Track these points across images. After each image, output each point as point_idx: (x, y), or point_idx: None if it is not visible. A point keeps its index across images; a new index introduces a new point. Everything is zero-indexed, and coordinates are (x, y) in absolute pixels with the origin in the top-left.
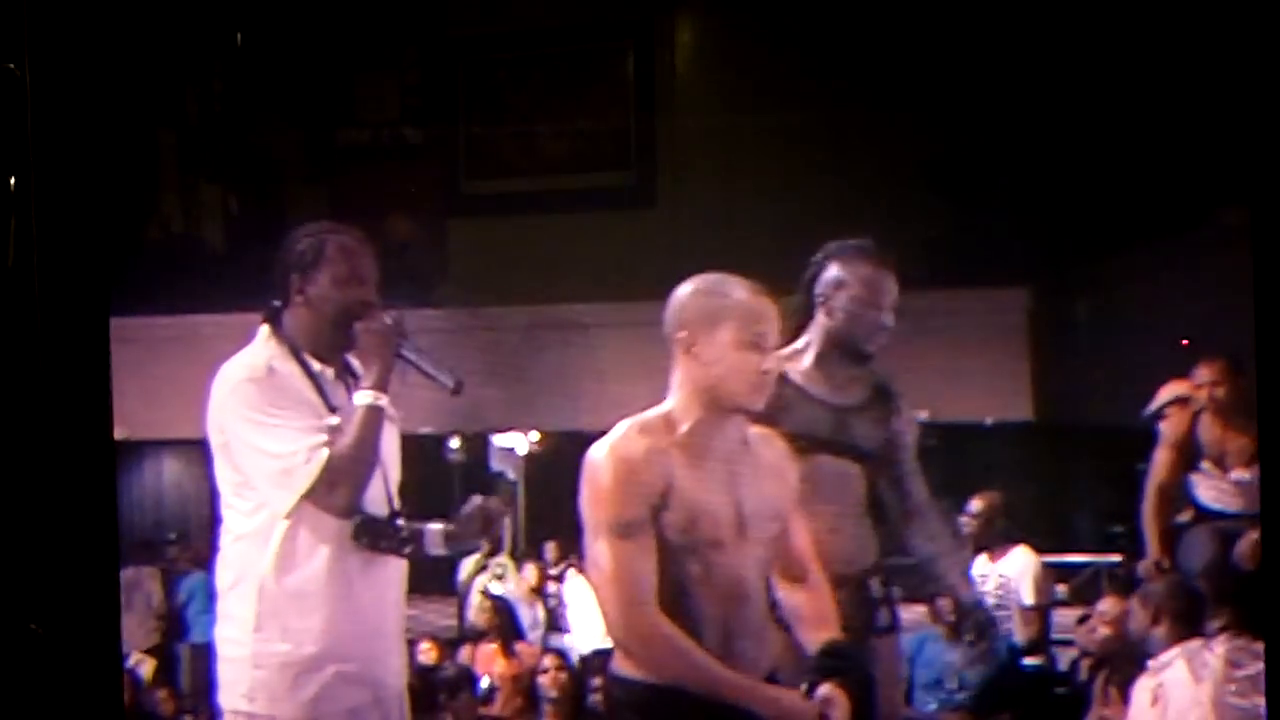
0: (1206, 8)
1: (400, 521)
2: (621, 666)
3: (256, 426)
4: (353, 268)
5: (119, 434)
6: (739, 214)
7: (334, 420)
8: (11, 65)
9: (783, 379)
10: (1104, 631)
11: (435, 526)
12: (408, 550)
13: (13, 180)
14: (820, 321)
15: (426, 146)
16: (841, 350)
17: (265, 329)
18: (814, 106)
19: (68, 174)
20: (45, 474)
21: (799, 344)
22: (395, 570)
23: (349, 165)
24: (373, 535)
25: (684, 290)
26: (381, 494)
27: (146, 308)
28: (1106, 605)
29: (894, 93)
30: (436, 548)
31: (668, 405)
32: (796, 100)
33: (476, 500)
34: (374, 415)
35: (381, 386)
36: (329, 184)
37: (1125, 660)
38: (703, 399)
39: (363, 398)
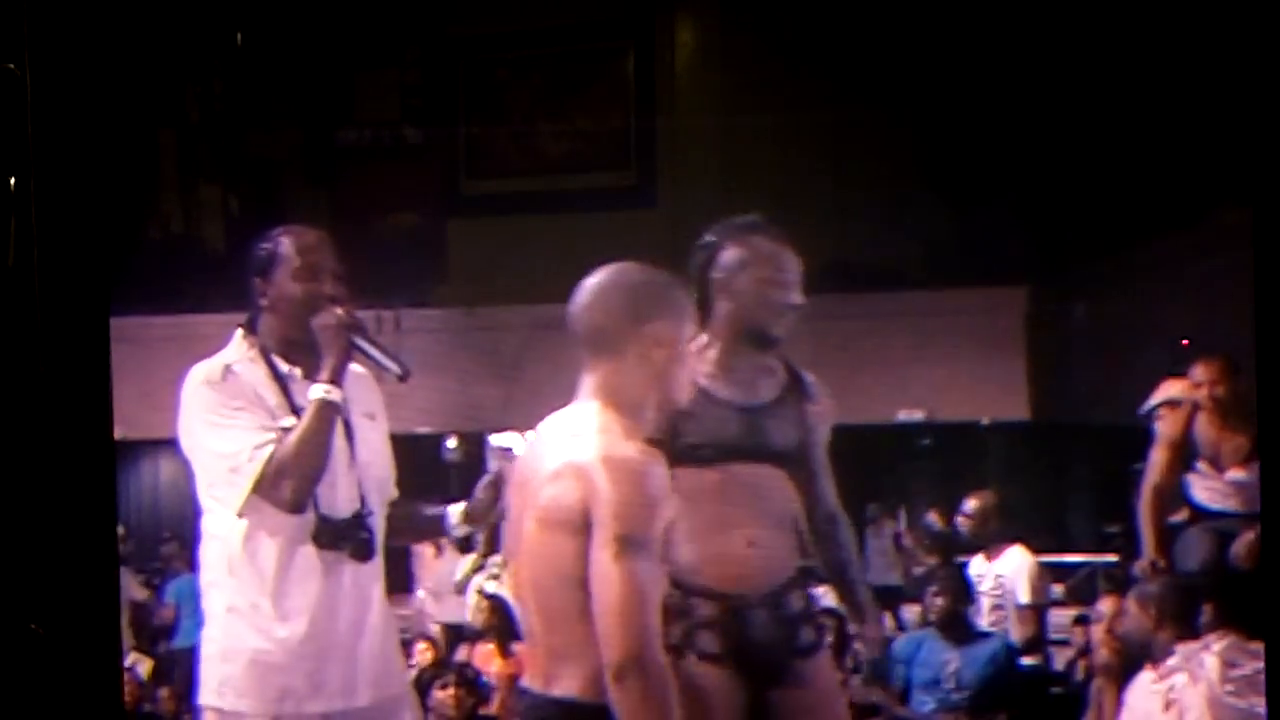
0: (1204, 9)
1: (372, 521)
2: (571, 691)
3: (210, 428)
4: (308, 262)
5: (117, 434)
6: (739, 214)
7: (289, 421)
8: (11, 65)
9: None
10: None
11: (455, 508)
12: (364, 554)
13: (13, 180)
14: (722, 309)
15: (426, 146)
16: (746, 338)
17: (239, 332)
18: (813, 107)
19: (68, 174)
20: (45, 474)
21: (699, 341)
22: (369, 569)
23: (349, 165)
24: (331, 537)
25: (646, 285)
26: (353, 495)
27: (146, 308)
28: (1107, 606)
29: (893, 93)
30: (458, 528)
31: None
32: (796, 100)
33: (488, 474)
34: (325, 409)
35: (334, 380)
36: (329, 184)
37: (1127, 661)
38: (663, 401)
39: (315, 391)
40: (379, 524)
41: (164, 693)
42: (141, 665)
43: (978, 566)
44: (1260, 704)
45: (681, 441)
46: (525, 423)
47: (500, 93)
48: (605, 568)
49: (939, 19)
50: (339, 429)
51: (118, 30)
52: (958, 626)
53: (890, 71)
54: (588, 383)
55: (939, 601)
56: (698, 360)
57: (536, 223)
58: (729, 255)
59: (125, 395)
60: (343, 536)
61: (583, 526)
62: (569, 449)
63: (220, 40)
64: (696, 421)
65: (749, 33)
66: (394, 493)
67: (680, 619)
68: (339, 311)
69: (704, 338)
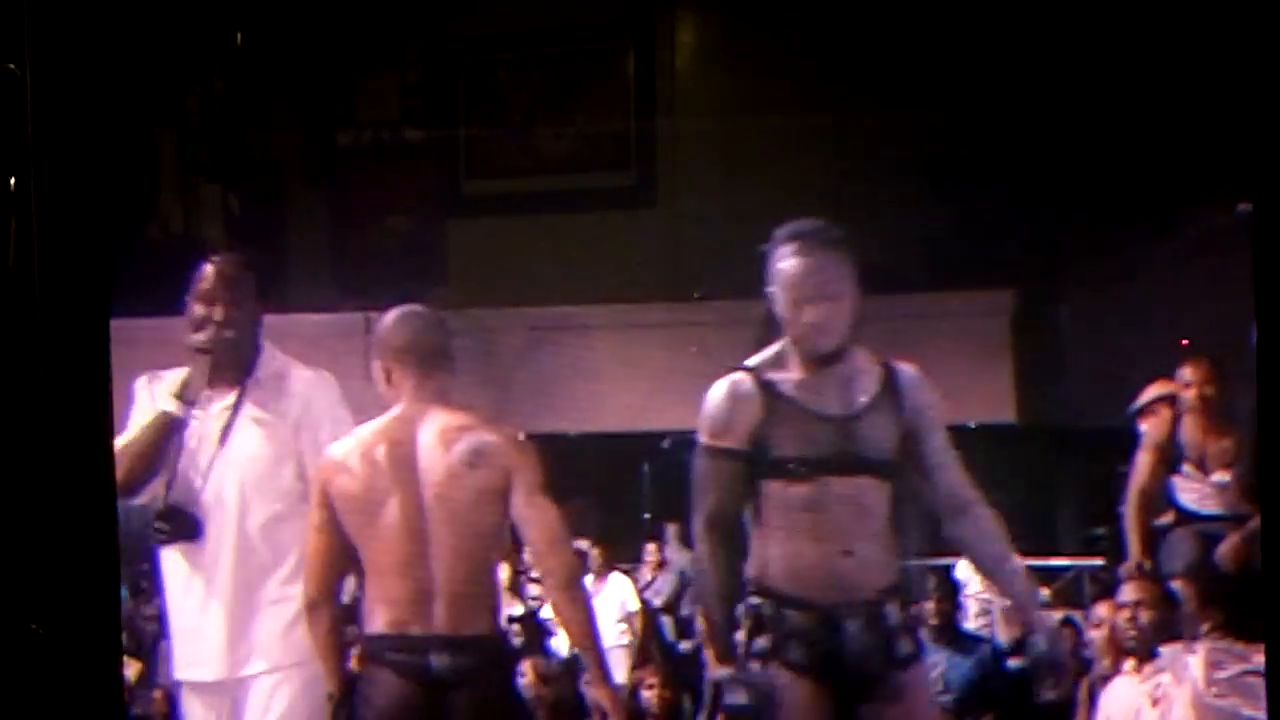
0: (1197, 12)
1: (185, 511)
2: (483, 629)
3: None
4: (199, 289)
5: None
6: (739, 214)
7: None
8: (11, 65)
9: (770, 390)
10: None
11: None
12: (190, 536)
13: (13, 180)
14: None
15: (426, 146)
16: (805, 356)
17: None
18: (813, 107)
19: (68, 174)
20: (45, 474)
21: (776, 348)
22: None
23: (349, 165)
24: (163, 518)
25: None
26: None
27: (146, 308)
28: (1104, 610)
29: (892, 94)
30: None
31: None
32: (796, 101)
33: None
34: (158, 418)
35: (177, 395)
36: (329, 184)
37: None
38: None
39: (161, 401)
40: (223, 510)
41: (156, 694)
42: (129, 669)
43: (964, 570)
44: (1244, 705)
45: (770, 455)
46: (519, 424)
47: (500, 93)
48: (539, 510)
49: (936, 21)
50: (216, 430)
51: (118, 30)
52: (945, 630)
53: (889, 73)
54: (426, 389)
55: (943, 608)
56: (777, 368)
57: (536, 223)
58: (773, 270)
59: (119, 396)
60: (166, 520)
61: (506, 490)
62: (470, 440)
63: (220, 40)
64: (784, 434)
65: (749, 33)
66: None
67: (770, 628)
68: (195, 336)
69: (777, 345)
